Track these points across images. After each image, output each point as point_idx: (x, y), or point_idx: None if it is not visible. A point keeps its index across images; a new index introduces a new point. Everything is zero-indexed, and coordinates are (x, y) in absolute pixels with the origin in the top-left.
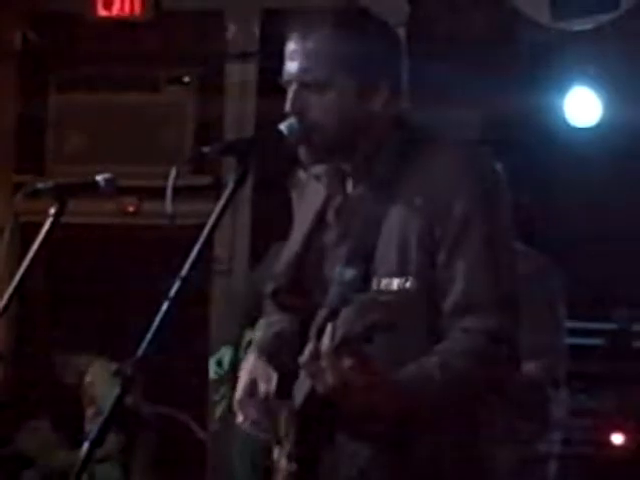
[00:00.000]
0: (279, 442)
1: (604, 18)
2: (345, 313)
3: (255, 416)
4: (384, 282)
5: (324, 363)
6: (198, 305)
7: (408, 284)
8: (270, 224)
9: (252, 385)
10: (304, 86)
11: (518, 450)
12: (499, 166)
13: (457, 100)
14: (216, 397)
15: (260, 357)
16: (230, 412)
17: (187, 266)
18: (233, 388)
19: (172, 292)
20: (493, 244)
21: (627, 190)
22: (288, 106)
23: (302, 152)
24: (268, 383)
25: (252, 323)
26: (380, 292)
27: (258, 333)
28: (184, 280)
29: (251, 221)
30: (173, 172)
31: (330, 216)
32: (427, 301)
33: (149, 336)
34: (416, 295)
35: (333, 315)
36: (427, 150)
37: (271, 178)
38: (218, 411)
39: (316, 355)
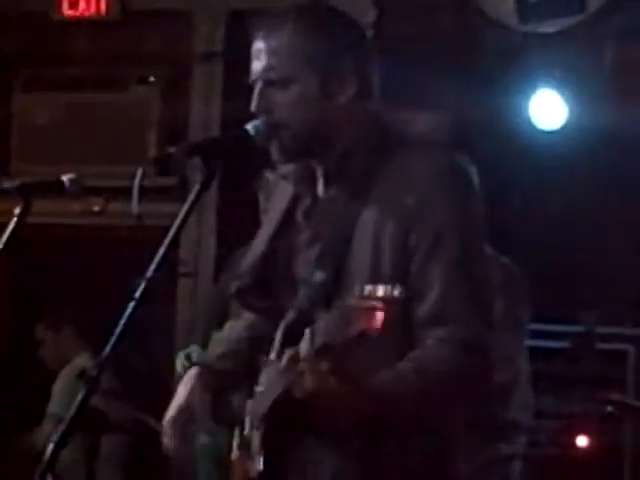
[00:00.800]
0: (241, 444)
1: (570, 21)
2: (328, 319)
3: (178, 445)
4: (368, 288)
5: (303, 367)
6: (164, 306)
7: (396, 292)
8: (236, 225)
9: (186, 410)
10: (269, 84)
11: (481, 452)
12: (474, 171)
13: (422, 102)
14: None
15: (200, 377)
16: None
17: (152, 267)
18: None
19: (137, 293)
20: (469, 252)
21: (592, 193)
22: (254, 105)
23: (273, 151)
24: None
25: (220, 327)
26: (365, 298)
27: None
28: (149, 281)
29: (217, 222)
30: (139, 172)
31: (299, 217)
32: (401, 308)
33: (114, 337)
34: (402, 303)
35: (302, 317)
36: (402, 153)
37: (238, 179)
38: None
39: (295, 359)
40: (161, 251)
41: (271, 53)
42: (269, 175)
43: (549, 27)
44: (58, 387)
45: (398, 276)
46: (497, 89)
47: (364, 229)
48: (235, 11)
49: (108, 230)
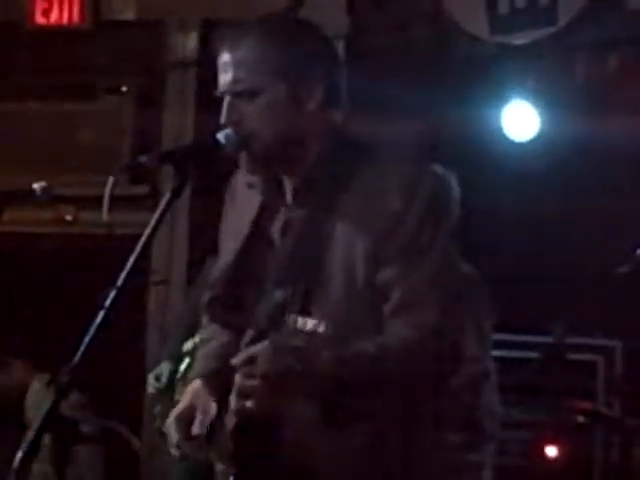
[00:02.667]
0: (220, 458)
1: (541, 33)
2: (266, 348)
3: (181, 442)
4: (300, 321)
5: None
6: (135, 315)
7: (321, 328)
8: (209, 234)
9: (189, 410)
10: (237, 96)
11: (449, 459)
12: (447, 177)
13: (394, 113)
14: (155, 410)
15: (205, 387)
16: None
17: (123, 276)
18: (171, 398)
19: (107, 302)
20: (435, 252)
21: (564, 204)
22: (223, 118)
23: (243, 161)
24: (205, 415)
25: (190, 336)
26: (295, 332)
27: (199, 350)
28: (120, 290)
29: (189, 230)
30: (110, 181)
31: (275, 233)
32: (373, 317)
33: (84, 345)
34: (329, 337)
35: (261, 337)
36: (371, 166)
37: (209, 188)
38: (157, 422)
39: (241, 393)
40: (131, 259)
41: (237, 65)
42: (233, 179)
43: (521, 39)
44: (30, 400)
45: (372, 287)
46: (469, 100)
47: (335, 247)
48: (208, 20)
49: (80, 239)
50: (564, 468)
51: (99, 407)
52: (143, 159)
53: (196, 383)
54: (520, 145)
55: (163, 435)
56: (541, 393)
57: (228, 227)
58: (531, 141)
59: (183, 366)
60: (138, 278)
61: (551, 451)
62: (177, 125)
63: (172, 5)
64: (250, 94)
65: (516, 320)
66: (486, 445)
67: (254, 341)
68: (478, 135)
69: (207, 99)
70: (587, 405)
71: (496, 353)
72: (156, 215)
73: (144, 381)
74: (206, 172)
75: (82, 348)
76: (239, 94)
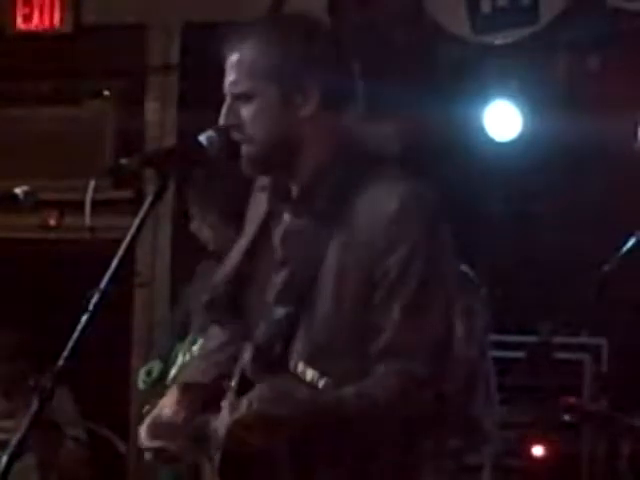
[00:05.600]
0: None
1: (523, 32)
2: (262, 390)
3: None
4: (300, 367)
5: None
6: (119, 318)
7: (322, 382)
8: (192, 236)
9: (156, 419)
10: (236, 98)
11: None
12: (437, 199)
13: (376, 114)
14: (144, 410)
15: (177, 391)
16: None
17: (106, 278)
18: None
19: (91, 305)
20: (429, 289)
21: (547, 203)
22: (222, 119)
23: (244, 165)
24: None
25: (181, 338)
26: (294, 377)
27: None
28: (103, 293)
29: (173, 233)
30: (91, 185)
31: (276, 238)
32: (359, 344)
33: (68, 348)
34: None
35: (260, 354)
36: (372, 183)
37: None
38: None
39: (239, 424)
40: (115, 262)
41: (234, 68)
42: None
43: (503, 39)
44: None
45: (360, 313)
46: (451, 100)
47: (329, 265)
48: (189, 23)
49: (64, 244)
50: (552, 467)
51: (84, 410)
52: (124, 162)
53: (174, 390)
54: (502, 145)
55: None
56: (528, 392)
57: (250, 215)
58: (513, 141)
59: (174, 372)
60: (122, 281)
61: (538, 450)
62: (160, 128)
63: (153, 8)
64: (246, 97)
65: (503, 320)
66: (485, 446)
67: (253, 359)
68: (460, 135)
69: (190, 101)
70: (574, 403)
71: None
72: (139, 218)
73: (130, 383)
74: (190, 174)
75: (67, 351)
76: (237, 96)
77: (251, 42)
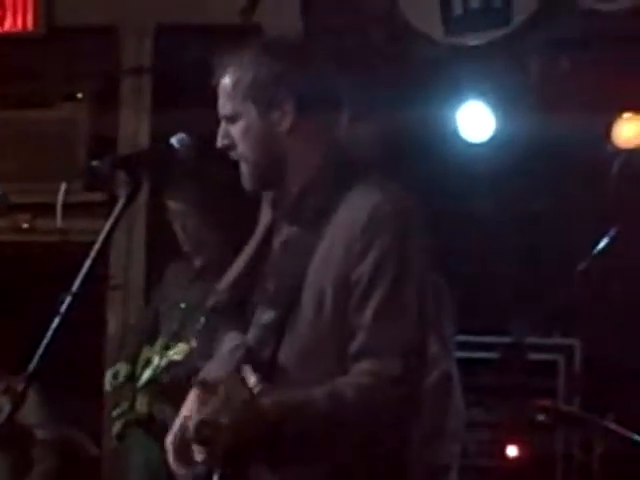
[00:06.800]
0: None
1: (495, 34)
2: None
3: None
4: (247, 371)
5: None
6: (93, 320)
7: (256, 389)
8: (166, 238)
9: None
10: (226, 121)
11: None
12: (413, 205)
13: (349, 115)
14: (114, 413)
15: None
16: (128, 429)
17: (78, 281)
18: (132, 406)
19: (63, 308)
20: (401, 292)
21: (520, 204)
22: (218, 142)
23: (244, 183)
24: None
25: (150, 340)
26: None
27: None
28: (75, 296)
29: (147, 235)
30: (63, 187)
31: (276, 248)
32: (340, 348)
33: (40, 351)
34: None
35: (249, 356)
36: (353, 190)
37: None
38: (115, 428)
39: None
40: (87, 264)
41: (221, 92)
42: None
43: (475, 40)
44: None
45: (339, 316)
46: (424, 101)
47: (313, 271)
48: (162, 25)
49: (37, 247)
50: (525, 467)
51: (56, 413)
52: (96, 165)
53: (192, 394)
54: (476, 146)
55: (121, 439)
56: (502, 393)
57: (260, 225)
58: (487, 142)
59: (146, 376)
60: (95, 283)
61: (512, 451)
62: (133, 131)
63: (126, 11)
64: (232, 119)
65: (476, 321)
66: (451, 445)
67: (243, 361)
68: (433, 136)
69: (163, 104)
70: (547, 404)
71: (456, 354)
72: (110, 221)
73: (102, 386)
74: (163, 176)
75: (39, 354)
76: (227, 119)
77: (230, 68)
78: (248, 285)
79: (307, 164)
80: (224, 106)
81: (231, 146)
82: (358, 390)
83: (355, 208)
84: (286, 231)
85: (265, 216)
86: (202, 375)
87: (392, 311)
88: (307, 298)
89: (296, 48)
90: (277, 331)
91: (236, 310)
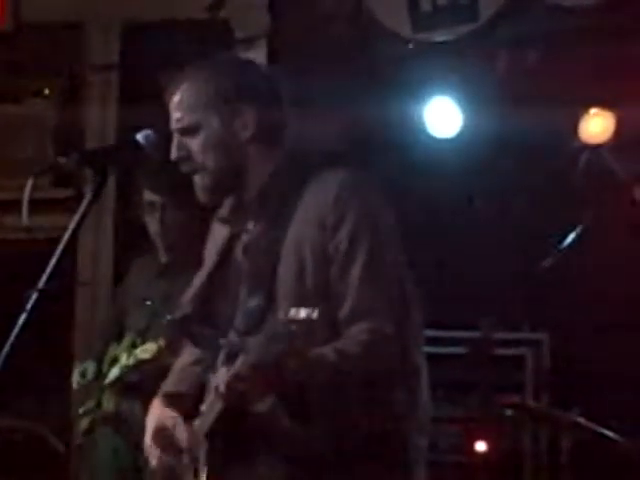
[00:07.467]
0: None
1: (463, 30)
2: (256, 341)
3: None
4: (292, 312)
5: (242, 386)
6: (61, 317)
7: (314, 314)
8: (134, 233)
9: (160, 431)
10: (183, 133)
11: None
12: (376, 183)
13: (315, 112)
14: (80, 410)
15: (169, 406)
16: (95, 426)
17: (44, 278)
18: (99, 404)
19: (29, 304)
20: (379, 257)
21: (487, 200)
22: (173, 155)
23: (199, 195)
24: (177, 430)
25: (116, 337)
26: (289, 321)
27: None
28: (42, 292)
29: (115, 230)
30: (29, 184)
31: (238, 254)
32: (327, 317)
33: (6, 348)
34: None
35: (241, 340)
36: (317, 178)
37: (135, 187)
38: (82, 424)
39: (237, 378)
40: (53, 261)
41: (178, 106)
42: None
43: (442, 36)
44: None
45: (321, 287)
46: (391, 97)
47: (287, 253)
48: (129, 21)
49: (3, 244)
50: (494, 462)
51: (23, 409)
52: (62, 161)
53: (155, 403)
54: (443, 141)
55: (88, 435)
56: (470, 388)
57: (208, 246)
58: (454, 138)
59: (113, 374)
60: (62, 280)
61: (481, 446)
62: (101, 126)
63: (94, 7)
64: (192, 130)
65: (443, 316)
66: (418, 439)
67: (234, 345)
68: (401, 132)
69: (129, 100)
70: (515, 399)
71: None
72: (77, 216)
73: (70, 383)
74: (130, 172)
75: (5, 351)
76: (184, 131)
77: (188, 83)
78: (214, 295)
79: (264, 170)
80: (182, 119)
81: (186, 158)
82: (359, 345)
83: (322, 188)
84: (249, 235)
85: (215, 236)
86: (163, 389)
87: (375, 274)
88: (285, 282)
89: (252, 64)
90: (261, 314)
91: (204, 318)
